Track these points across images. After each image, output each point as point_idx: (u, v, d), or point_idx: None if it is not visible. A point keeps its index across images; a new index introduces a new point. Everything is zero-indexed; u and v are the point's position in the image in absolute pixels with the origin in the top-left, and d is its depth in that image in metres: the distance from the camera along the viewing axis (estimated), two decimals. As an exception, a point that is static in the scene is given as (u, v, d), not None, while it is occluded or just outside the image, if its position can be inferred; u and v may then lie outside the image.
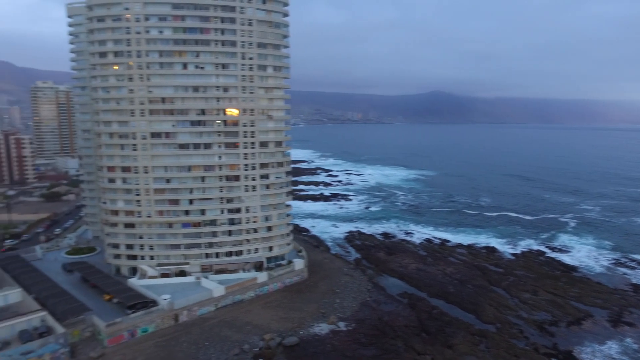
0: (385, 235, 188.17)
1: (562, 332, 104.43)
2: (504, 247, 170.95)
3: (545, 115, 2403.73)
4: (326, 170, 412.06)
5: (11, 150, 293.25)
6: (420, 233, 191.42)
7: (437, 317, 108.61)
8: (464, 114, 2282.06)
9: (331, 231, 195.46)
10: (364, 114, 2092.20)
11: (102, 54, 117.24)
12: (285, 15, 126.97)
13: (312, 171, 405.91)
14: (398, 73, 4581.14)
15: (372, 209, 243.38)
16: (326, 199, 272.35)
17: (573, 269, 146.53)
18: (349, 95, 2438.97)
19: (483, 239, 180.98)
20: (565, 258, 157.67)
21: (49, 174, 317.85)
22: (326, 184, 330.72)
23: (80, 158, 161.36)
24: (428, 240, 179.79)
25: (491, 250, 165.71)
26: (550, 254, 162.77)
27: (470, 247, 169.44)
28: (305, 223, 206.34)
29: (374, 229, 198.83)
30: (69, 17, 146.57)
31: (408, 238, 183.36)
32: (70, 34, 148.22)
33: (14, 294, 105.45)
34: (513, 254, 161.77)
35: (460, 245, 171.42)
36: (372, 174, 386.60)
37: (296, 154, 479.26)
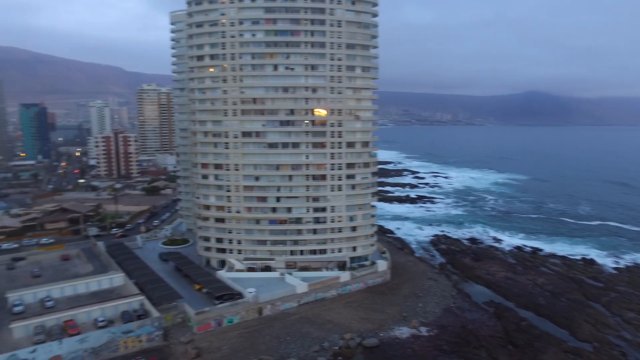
0: (472, 240, 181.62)
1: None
2: (605, 259, 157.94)
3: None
4: (413, 172, 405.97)
5: (119, 147, 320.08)
6: (509, 240, 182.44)
7: (525, 330, 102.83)
8: (563, 116, 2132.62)
9: (416, 234, 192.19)
10: (454, 115, 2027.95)
11: (200, 57, 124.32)
12: (375, 15, 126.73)
13: (399, 172, 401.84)
14: (490, 73, 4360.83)
15: (460, 212, 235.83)
16: (412, 201, 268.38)
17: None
18: (438, 95, 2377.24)
19: (580, 250, 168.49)
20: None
21: (150, 170, 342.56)
22: (412, 186, 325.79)
23: (178, 155, 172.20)
24: (518, 248, 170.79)
25: (589, 262, 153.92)
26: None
27: (564, 257, 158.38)
28: (390, 225, 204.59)
29: (461, 233, 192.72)
30: (172, 24, 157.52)
31: (496, 245, 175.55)
32: (172, 40, 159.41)
33: (118, 278, 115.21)
34: (615, 268, 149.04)
35: (553, 255, 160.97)
36: (460, 177, 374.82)
37: (383, 155, 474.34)
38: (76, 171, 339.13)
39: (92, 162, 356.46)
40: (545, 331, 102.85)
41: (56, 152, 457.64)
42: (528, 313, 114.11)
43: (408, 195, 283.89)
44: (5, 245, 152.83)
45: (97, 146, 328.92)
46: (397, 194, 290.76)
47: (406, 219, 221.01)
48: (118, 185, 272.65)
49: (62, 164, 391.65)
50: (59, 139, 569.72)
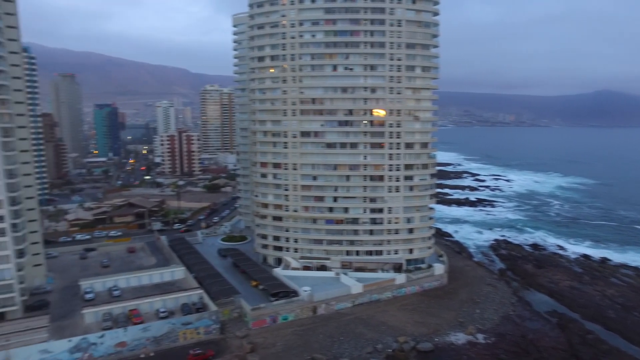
0: (535, 246, 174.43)
1: None
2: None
3: None
4: (473, 174, 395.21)
5: (183, 145, 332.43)
6: (575, 248, 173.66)
7: (592, 344, 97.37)
8: (638, 116, 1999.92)
9: (475, 238, 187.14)
10: (517, 115, 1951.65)
11: (260, 58, 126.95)
12: (436, 14, 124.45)
13: (458, 175, 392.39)
14: (557, 72, 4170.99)
15: (521, 217, 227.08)
16: (472, 204, 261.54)
17: None
18: (501, 96, 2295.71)
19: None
20: None
21: (211, 168, 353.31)
22: (472, 189, 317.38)
23: (238, 154, 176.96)
24: (585, 256, 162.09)
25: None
26: None
27: (638, 269, 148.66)
28: (448, 228, 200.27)
29: (523, 238, 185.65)
30: (234, 26, 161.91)
31: (561, 252, 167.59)
32: (235, 42, 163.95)
33: (179, 271, 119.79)
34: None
35: (625, 266, 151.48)
36: (523, 180, 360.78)
37: (442, 156, 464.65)
38: (142, 168, 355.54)
39: (158, 159, 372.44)
40: (615, 347, 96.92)
41: (125, 150, 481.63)
42: (595, 326, 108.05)
43: (467, 198, 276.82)
44: (79, 236, 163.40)
45: (162, 144, 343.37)
46: (456, 196, 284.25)
47: (465, 222, 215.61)
48: (181, 182, 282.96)
49: (130, 161, 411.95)
50: (128, 137, 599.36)
